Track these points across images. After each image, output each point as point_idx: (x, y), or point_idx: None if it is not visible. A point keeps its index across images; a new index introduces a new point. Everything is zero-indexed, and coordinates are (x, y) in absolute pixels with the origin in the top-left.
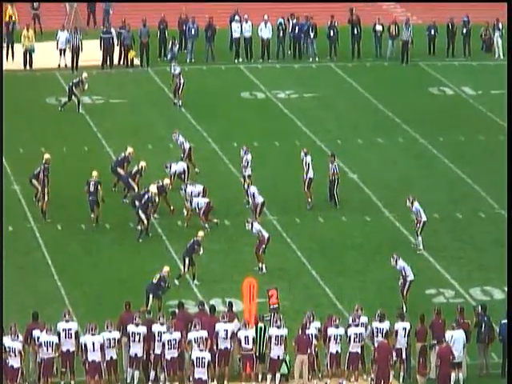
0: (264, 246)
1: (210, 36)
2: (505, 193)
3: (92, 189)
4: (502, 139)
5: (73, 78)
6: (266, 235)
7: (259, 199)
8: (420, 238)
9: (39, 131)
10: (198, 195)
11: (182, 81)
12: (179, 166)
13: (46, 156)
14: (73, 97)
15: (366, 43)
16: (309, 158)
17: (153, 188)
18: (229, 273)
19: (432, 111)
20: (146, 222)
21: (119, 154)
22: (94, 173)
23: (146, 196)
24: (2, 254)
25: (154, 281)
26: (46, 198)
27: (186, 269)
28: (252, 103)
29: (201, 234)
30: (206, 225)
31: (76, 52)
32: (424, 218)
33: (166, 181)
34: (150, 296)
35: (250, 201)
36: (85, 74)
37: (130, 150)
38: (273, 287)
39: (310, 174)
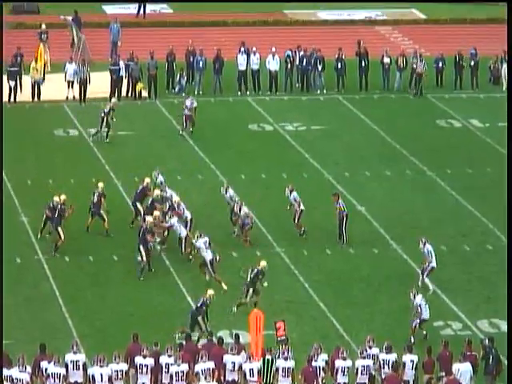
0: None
1: (218, 68)
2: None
3: (95, 200)
4: (503, 168)
5: (103, 106)
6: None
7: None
8: (426, 279)
9: (47, 163)
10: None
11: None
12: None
13: (63, 197)
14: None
15: (374, 75)
16: (295, 194)
17: (149, 218)
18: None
19: (440, 143)
20: (144, 257)
21: (137, 188)
22: (100, 184)
23: (142, 228)
24: (2, 270)
25: (198, 304)
26: (62, 237)
27: (248, 298)
28: (260, 135)
29: (263, 263)
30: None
31: (84, 84)
32: (433, 264)
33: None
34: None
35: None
36: (114, 100)
37: (147, 180)
38: (280, 319)
39: (302, 207)
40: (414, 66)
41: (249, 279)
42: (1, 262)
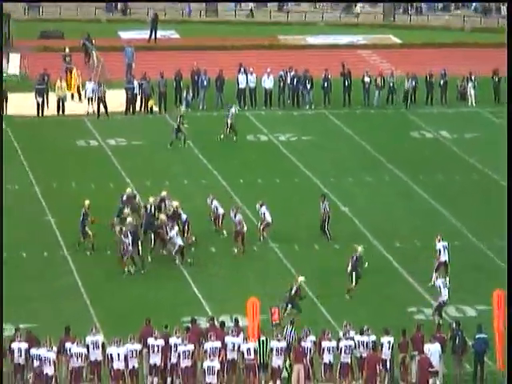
0: None
1: (220, 86)
2: (478, 224)
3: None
4: (475, 178)
5: (175, 116)
6: None
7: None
8: (435, 274)
9: (70, 169)
10: None
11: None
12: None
13: (87, 202)
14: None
15: (356, 93)
16: (263, 208)
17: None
18: (235, 293)
19: (413, 153)
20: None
21: (155, 199)
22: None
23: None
24: (2, 261)
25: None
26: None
27: (286, 313)
28: (256, 145)
29: (301, 278)
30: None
31: (102, 101)
32: (443, 258)
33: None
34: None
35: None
36: (182, 108)
37: (164, 193)
38: (275, 306)
39: (268, 220)
40: (406, 86)
41: (289, 296)
42: (1, 261)
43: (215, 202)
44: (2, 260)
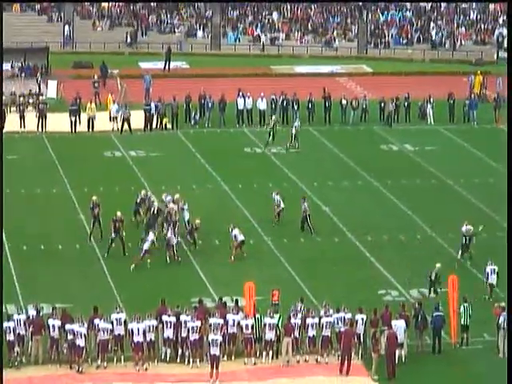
0: None
1: (222, 108)
2: (436, 221)
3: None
4: (433, 182)
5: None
6: None
7: (239, 238)
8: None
9: (98, 175)
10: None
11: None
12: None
13: (94, 197)
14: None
15: (335, 113)
16: (278, 197)
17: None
18: (235, 278)
19: (382, 162)
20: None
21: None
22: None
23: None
24: (1, 255)
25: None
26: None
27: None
28: (252, 156)
29: (438, 265)
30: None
31: (127, 120)
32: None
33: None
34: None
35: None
36: (274, 117)
37: (177, 196)
38: (275, 288)
39: (282, 206)
40: (391, 106)
41: (430, 280)
42: (0, 259)
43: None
44: (1, 258)
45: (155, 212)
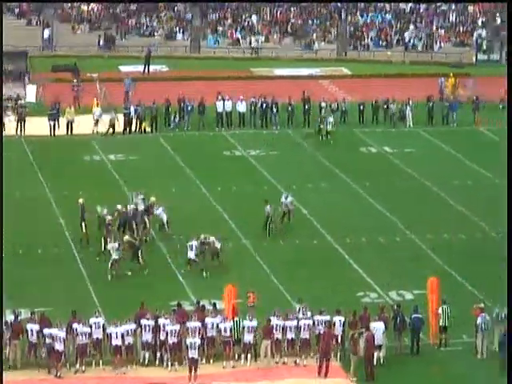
0: None
1: (202, 111)
2: (415, 223)
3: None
4: (412, 184)
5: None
6: None
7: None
8: None
9: (78, 180)
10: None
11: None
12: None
13: (80, 200)
14: None
15: (314, 115)
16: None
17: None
18: (215, 281)
19: (361, 164)
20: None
21: (144, 203)
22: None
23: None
24: (1, 256)
25: None
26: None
27: None
28: (231, 159)
29: None
30: None
31: (113, 125)
32: None
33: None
34: None
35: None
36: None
37: (152, 199)
38: (251, 290)
39: (291, 208)
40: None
41: None
42: (1, 261)
43: (288, 200)
44: (1, 260)
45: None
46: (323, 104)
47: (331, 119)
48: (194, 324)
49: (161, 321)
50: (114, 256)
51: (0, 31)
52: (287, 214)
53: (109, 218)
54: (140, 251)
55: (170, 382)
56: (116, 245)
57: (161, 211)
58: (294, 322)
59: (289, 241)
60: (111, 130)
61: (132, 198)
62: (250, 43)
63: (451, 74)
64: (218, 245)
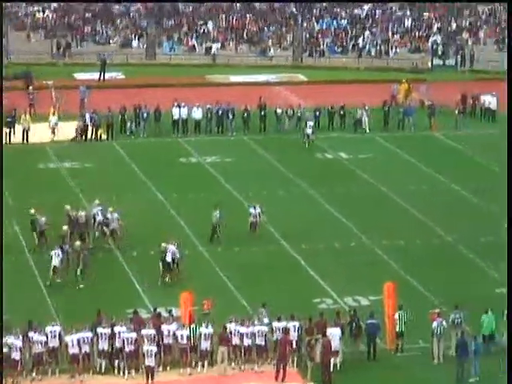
0: None
1: (158, 117)
2: (371, 228)
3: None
4: (368, 190)
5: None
6: None
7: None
8: None
9: (33, 187)
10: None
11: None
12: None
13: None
14: None
15: (270, 121)
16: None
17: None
18: (171, 289)
19: (317, 170)
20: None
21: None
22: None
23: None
24: (2, 261)
25: None
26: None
27: None
28: (187, 166)
29: None
30: None
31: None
32: None
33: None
34: None
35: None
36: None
37: (110, 208)
38: (207, 298)
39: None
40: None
41: None
42: (1, 263)
43: (257, 210)
44: (1, 262)
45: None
46: (279, 110)
47: (311, 123)
48: (149, 331)
49: (117, 328)
50: (54, 263)
51: (0, 31)
52: (254, 224)
53: (43, 222)
54: (86, 259)
55: None
56: (58, 251)
57: (115, 219)
58: (250, 329)
59: (245, 247)
60: (80, 136)
61: (91, 208)
62: (207, 50)
63: (404, 80)
64: (177, 253)
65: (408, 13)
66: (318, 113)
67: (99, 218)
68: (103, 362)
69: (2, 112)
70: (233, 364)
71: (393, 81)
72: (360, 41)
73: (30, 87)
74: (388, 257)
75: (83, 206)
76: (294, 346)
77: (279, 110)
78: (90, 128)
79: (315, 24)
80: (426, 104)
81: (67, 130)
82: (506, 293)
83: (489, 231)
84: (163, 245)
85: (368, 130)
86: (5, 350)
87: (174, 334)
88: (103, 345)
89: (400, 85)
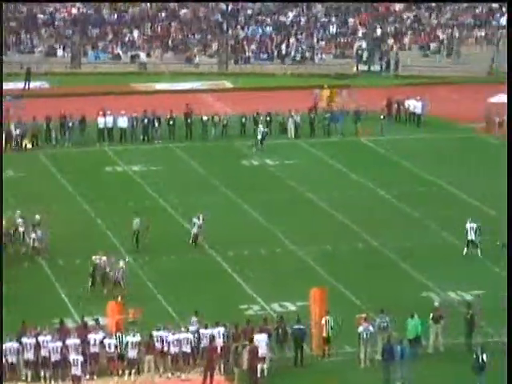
0: None
1: (83, 127)
2: (297, 235)
3: None
4: (294, 196)
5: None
6: None
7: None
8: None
9: None
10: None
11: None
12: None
13: None
14: None
15: (196, 129)
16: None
17: None
18: (98, 299)
19: (243, 177)
20: None
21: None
22: None
23: None
24: (1, 256)
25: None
26: None
27: None
28: (113, 174)
29: None
30: None
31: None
32: (469, 237)
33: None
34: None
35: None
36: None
37: (37, 217)
38: (135, 307)
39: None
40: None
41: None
42: (1, 263)
43: (198, 221)
44: (1, 262)
45: None
46: (205, 117)
47: (262, 128)
48: (74, 341)
49: (41, 338)
50: None
51: (0, 32)
52: (196, 235)
53: None
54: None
55: None
56: None
57: (40, 229)
58: (176, 336)
59: (171, 255)
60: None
61: (14, 218)
62: (132, 58)
63: (325, 86)
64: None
65: (333, 19)
66: (243, 119)
67: (22, 228)
68: (29, 372)
69: (2, 112)
70: (160, 372)
71: (318, 87)
72: (284, 47)
73: None
74: (314, 262)
75: (6, 215)
76: (221, 352)
77: (205, 118)
78: (14, 138)
79: (240, 31)
80: (349, 109)
81: None
82: (507, 293)
83: (414, 235)
84: (94, 257)
85: (293, 136)
86: None
87: (102, 343)
88: (29, 355)
89: (322, 90)
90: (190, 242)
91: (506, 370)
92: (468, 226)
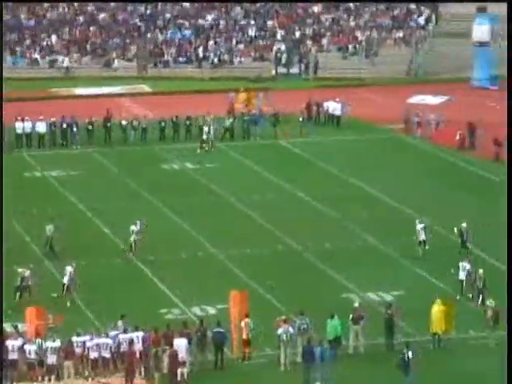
0: None
1: (1, 132)
2: (218, 238)
3: None
4: (214, 199)
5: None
6: None
7: None
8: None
9: None
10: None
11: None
12: None
13: None
14: None
15: (116, 133)
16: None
17: None
18: (17, 305)
19: (164, 181)
20: None
21: None
22: None
23: None
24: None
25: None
26: None
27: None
28: (31, 180)
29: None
30: None
31: None
32: (421, 237)
33: None
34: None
35: None
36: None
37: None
38: (53, 313)
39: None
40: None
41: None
42: (1, 263)
43: (136, 228)
44: (2, 262)
45: None
46: (124, 122)
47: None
48: None
49: None
50: None
51: (0, 32)
52: (135, 242)
53: None
54: None
55: None
56: None
57: None
58: (95, 341)
59: (91, 260)
60: None
61: None
62: (51, 63)
63: (242, 89)
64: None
65: (252, 22)
66: (163, 123)
67: None
68: None
69: (2, 113)
70: (80, 377)
71: (237, 90)
72: (201, 51)
73: None
74: (235, 265)
75: None
76: (140, 356)
77: (124, 122)
78: None
79: (159, 35)
80: (267, 112)
81: None
82: (506, 293)
83: (334, 237)
84: (20, 270)
85: (213, 139)
86: None
87: (21, 349)
88: None
89: (238, 94)
90: (128, 249)
91: (506, 370)
92: (418, 226)
